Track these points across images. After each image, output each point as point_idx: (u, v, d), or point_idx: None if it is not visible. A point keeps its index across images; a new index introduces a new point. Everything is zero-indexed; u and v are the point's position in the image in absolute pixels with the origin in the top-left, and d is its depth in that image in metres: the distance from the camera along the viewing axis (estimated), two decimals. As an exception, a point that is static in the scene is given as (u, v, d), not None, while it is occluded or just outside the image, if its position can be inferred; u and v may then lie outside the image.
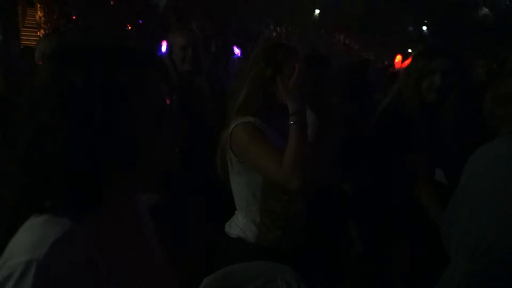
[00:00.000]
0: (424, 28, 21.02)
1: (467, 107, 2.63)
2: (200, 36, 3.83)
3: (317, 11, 20.32)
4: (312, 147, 1.74)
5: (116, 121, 0.75)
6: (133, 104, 0.77)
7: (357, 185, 2.54)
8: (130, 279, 0.81)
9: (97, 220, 0.78)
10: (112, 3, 14.87)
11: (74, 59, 0.77)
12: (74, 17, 14.25)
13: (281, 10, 17.06)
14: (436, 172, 2.29)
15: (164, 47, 5.29)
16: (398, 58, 6.60)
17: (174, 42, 2.48)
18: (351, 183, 2.59)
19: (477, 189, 1.53)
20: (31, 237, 0.72)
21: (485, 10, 19.15)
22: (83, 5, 13.72)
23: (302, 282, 1.34)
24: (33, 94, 0.77)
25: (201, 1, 15.07)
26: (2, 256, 0.71)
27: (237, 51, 6.76)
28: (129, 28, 13.77)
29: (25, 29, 15.21)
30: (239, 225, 1.74)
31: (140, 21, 14.26)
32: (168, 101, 0.85)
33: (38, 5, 15.75)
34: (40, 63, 2.47)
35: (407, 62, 2.88)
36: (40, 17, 15.26)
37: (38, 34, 13.85)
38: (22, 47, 7.58)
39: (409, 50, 13.57)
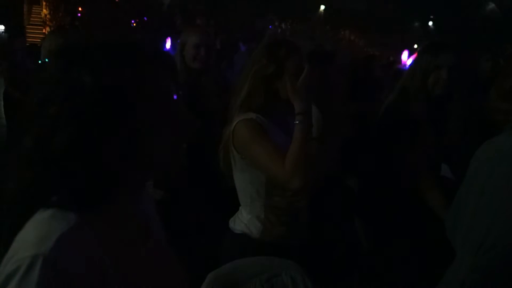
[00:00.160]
0: (430, 23, 20.91)
1: (473, 103, 2.62)
2: (213, 37, 3.83)
3: (322, 7, 20.28)
4: (316, 144, 1.74)
5: (124, 117, 0.75)
6: (141, 101, 0.77)
7: (362, 182, 2.53)
8: (136, 275, 0.82)
9: (104, 216, 0.78)
10: (117, 0, 14.91)
11: (81, 56, 0.77)
12: (79, 15, 14.31)
13: (286, 6, 17.02)
14: (442, 168, 2.29)
15: (168, 44, 5.31)
16: (405, 54, 6.58)
17: (187, 39, 2.49)
18: (356, 179, 2.59)
19: (481, 186, 1.51)
20: (37, 231, 0.72)
21: (492, 6, 19.03)
22: (88, 3, 13.78)
23: (306, 276, 1.34)
24: (40, 90, 0.77)
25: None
26: (9, 250, 0.72)
27: (241, 47, 6.74)
28: (134, 25, 13.80)
29: (31, 26, 15.29)
30: (244, 221, 1.74)
31: (145, 18, 14.29)
32: (175, 97, 0.84)
33: (44, 3, 15.83)
34: (47, 60, 2.47)
35: (413, 57, 2.87)
36: (45, 15, 15.34)
37: (44, 31, 13.93)
38: (27, 44, 7.61)
39: (415, 46, 13.50)
